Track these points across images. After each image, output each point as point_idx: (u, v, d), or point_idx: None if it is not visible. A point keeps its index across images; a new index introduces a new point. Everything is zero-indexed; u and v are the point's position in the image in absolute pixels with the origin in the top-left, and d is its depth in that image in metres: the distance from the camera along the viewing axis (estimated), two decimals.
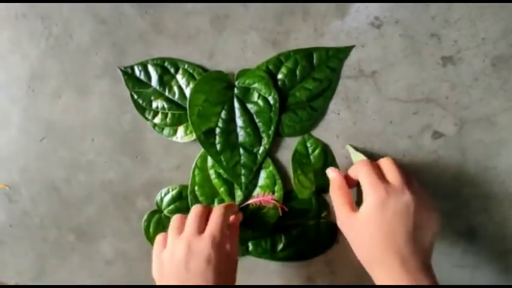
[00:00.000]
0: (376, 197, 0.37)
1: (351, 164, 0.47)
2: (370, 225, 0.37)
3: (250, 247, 0.49)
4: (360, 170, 0.40)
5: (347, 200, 0.40)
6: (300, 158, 0.47)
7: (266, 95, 0.45)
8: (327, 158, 0.47)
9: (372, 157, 0.47)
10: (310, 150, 0.47)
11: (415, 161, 0.47)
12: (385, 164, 0.40)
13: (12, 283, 0.53)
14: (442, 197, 0.47)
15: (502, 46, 0.44)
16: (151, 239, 0.50)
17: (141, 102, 0.48)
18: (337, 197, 0.41)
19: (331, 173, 0.44)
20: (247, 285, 0.51)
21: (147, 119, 0.48)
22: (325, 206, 0.48)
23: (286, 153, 0.48)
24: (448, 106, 0.45)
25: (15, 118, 0.50)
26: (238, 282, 0.50)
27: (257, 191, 0.48)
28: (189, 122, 0.46)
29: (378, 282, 0.37)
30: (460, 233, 0.48)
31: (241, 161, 0.47)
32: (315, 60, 0.46)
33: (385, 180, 0.39)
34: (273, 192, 0.47)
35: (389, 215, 0.37)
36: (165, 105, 0.47)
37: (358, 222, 0.38)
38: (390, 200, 0.37)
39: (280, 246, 0.49)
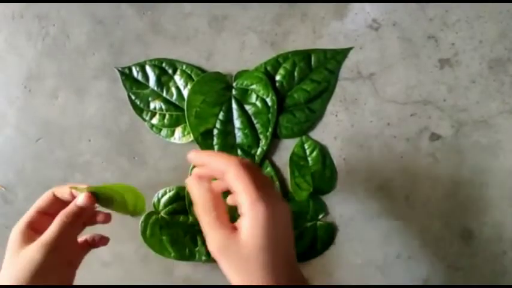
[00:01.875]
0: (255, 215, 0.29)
1: (350, 166, 0.47)
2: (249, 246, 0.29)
3: None
4: (234, 174, 0.30)
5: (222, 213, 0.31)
6: (297, 159, 0.47)
7: (264, 97, 0.45)
8: (325, 159, 0.47)
9: (370, 159, 0.47)
10: (307, 152, 0.47)
11: (412, 162, 0.47)
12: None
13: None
14: (439, 199, 0.47)
15: (499, 49, 0.44)
16: (148, 241, 0.49)
17: (138, 103, 0.47)
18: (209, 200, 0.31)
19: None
20: (246, 285, 0.50)
21: (144, 119, 0.48)
22: (322, 208, 0.48)
23: (283, 155, 0.48)
24: (445, 108, 0.46)
25: (11, 118, 0.49)
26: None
27: None
28: (187, 123, 0.46)
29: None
30: (456, 234, 0.48)
31: None
32: (313, 62, 0.46)
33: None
34: None
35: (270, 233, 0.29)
36: (163, 106, 0.47)
37: (234, 244, 0.29)
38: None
39: None
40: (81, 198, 0.35)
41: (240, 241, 0.29)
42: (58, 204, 0.37)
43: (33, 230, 0.35)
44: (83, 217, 0.36)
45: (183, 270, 0.50)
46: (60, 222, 0.34)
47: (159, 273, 0.51)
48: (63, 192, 0.37)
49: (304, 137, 0.47)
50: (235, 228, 0.30)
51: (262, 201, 0.29)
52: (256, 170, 0.31)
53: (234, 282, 0.30)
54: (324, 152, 0.47)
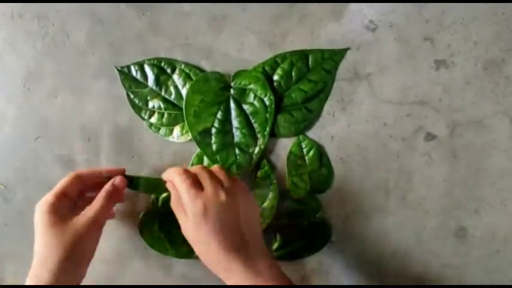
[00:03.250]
0: (196, 209, 0.37)
1: (346, 165, 0.48)
2: (200, 236, 0.38)
3: None
4: (175, 179, 0.39)
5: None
6: (294, 158, 0.48)
7: (262, 96, 0.46)
8: (322, 159, 0.48)
9: (366, 158, 0.47)
10: (305, 151, 0.48)
11: (408, 162, 0.47)
12: (198, 171, 0.40)
13: (8, 283, 0.53)
14: (434, 198, 0.48)
15: (494, 50, 0.45)
16: (146, 238, 0.50)
17: (137, 101, 0.48)
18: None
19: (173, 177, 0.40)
20: (245, 285, 0.51)
21: (143, 118, 0.48)
22: (319, 206, 0.49)
23: (281, 154, 0.48)
24: (440, 109, 0.46)
25: (10, 117, 0.49)
26: None
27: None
28: (185, 122, 0.46)
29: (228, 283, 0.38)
30: (450, 233, 0.49)
31: (237, 161, 0.47)
32: (310, 62, 0.46)
33: (200, 187, 0.38)
34: (268, 193, 0.48)
35: (212, 222, 0.37)
36: (162, 105, 0.48)
37: (191, 234, 0.39)
38: (209, 209, 0.37)
39: (275, 246, 0.50)
40: (118, 180, 0.43)
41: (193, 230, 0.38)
42: (79, 186, 0.43)
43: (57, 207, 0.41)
44: (115, 198, 0.43)
45: (182, 268, 0.51)
46: (102, 200, 0.41)
47: (159, 271, 0.51)
48: (88, 174, 0.44)
49: (301, 137, 0.48)
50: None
51: (195, 204, 0.37)
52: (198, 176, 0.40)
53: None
54: (321, 152, 0.48)
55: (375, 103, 0.46)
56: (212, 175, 0.39)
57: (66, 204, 0.42)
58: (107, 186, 0.43)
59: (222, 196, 0.38)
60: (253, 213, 0.41)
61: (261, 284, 0.36)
